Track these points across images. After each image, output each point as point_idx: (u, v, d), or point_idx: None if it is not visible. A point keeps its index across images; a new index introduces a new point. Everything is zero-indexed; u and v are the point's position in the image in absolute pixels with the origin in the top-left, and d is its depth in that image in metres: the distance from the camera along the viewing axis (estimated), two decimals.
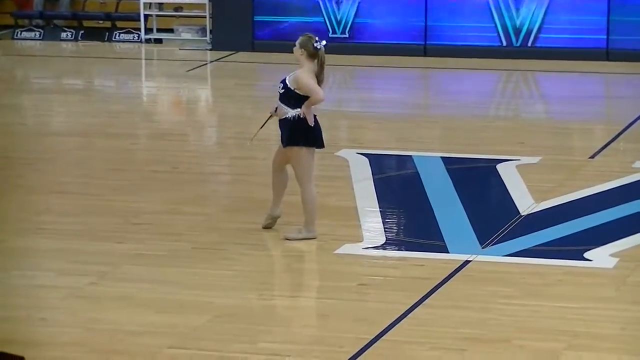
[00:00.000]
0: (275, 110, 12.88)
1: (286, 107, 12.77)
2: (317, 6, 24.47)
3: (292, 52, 12.77)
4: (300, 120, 12.71)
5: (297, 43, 12.85)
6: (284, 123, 12.84)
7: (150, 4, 27.16)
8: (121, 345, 10.09)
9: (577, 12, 23.23)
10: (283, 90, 12.81)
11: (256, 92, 22.18)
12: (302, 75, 12.74)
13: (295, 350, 10.14)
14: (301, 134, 12.74)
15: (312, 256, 12.74)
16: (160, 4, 27.46)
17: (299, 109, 12.68)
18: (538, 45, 23.21)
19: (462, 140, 18.04)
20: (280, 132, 12.90)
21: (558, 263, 12.16)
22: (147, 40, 26.92)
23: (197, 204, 14.46)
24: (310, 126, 12.71)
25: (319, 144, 12.91)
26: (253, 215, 13.74)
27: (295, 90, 12.69)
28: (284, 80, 12.84)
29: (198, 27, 26.69)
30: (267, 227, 13.35)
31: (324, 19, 24.49)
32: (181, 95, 22.82)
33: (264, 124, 13.14)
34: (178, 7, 27.46)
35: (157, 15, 27.34)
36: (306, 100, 12.65)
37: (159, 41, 27.02)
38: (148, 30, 26.94)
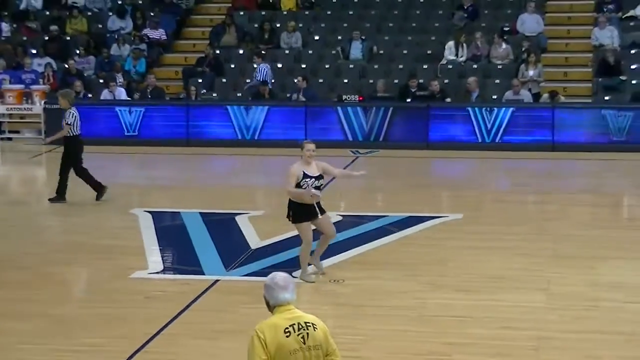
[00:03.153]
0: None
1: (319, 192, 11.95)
2: None
3: None
4: None
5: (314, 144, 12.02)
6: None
7: None
8: None
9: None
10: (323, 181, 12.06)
11: None
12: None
13: (100, 343, 10.09)
14: None
15: (112, 279, 12.58)
16: None
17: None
18: (263, 138, 23.22)
19: (213, 201, 18.16)
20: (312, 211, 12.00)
21: None
22: None
23: None
24: None
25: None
26: None
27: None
28: (320, 175, 11.95)
29: None
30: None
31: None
32: None
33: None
34: None
35: None
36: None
37: None
38: None
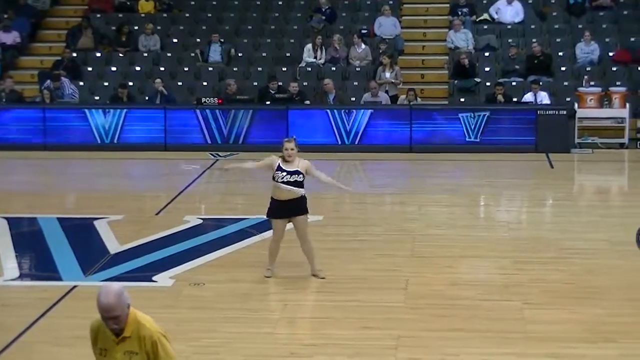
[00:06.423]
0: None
1: (297, 189, 12.06)
2: None
3: None
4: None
5: (295, 142, 12.09)
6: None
7: None
8: None
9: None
10: (301, 178, 12.07)
11: None
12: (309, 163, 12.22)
13: None
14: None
15: None
16: None
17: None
18: (121, 142, 22.98)
19: (72, 206, 17.89)
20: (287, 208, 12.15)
21: (137, 285, 12.21)
22: None
23: None
24: None
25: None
26: None
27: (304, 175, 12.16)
28: (297, 171, 12.02)
29: None
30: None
31: None
32: None
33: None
34: None
35: None
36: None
37: None
38: None
